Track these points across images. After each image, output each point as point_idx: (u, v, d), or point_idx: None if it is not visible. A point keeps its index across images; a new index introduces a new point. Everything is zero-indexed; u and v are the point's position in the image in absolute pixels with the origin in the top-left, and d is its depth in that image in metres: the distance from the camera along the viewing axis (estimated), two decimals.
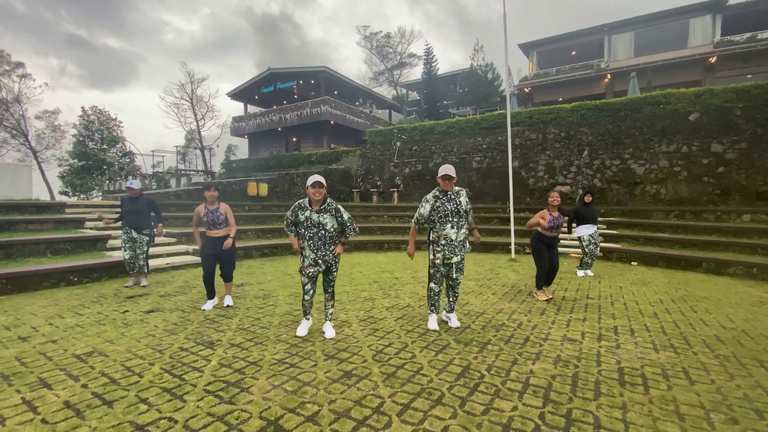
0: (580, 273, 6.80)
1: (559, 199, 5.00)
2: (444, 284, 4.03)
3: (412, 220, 3.86)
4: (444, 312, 4.06)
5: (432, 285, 3.81)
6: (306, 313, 3.65)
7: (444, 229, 3.64)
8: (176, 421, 2.16)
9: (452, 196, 3.67)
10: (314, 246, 3.38)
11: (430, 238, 3.77)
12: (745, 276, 6.77)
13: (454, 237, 3.63)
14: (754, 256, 7.39)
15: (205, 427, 2.11)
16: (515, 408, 2.33)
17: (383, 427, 2.12)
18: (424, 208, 3.71)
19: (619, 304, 4.86)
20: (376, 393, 2.50)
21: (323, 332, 3.65)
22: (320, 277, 3.64)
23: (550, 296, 5.02)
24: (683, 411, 2.32)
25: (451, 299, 3.92)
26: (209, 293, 4.55)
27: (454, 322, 3.90)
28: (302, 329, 3.62)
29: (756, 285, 6.19)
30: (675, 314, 4.42)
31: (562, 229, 5.14)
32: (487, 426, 2.14)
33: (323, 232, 3.39)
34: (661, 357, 3.15)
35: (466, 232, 3.75)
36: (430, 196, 3.73)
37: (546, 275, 5.09)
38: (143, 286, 5.63)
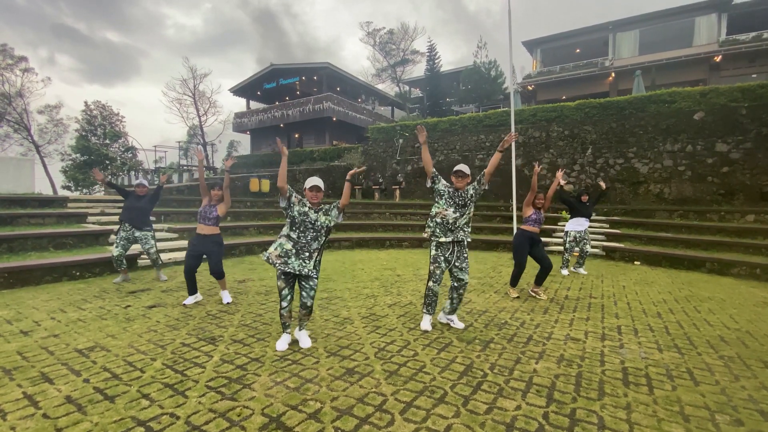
0: (564, 272, 6.74)
1: (543, 201, 5.22)
2: (449, 284, 3.96)
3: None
4: (443, 314, 3.87)
5: (430, 284, 3.65)
6: (285, 326, 3.26)
7: (446, 210, 3.58)
8: (178, 417, 2.15)
9: (461, 193, 3.62)
10: (299, 237, 3.17)
11: (431, 214, 3.70)
12: (748, 276, 6.74)
13: (451, 221, 3.56)
14: (758, 256, 7.35)
15: (207, 423, 2.10)
16: (519, 407, 2.31)
17: (386, 425, 2.11)
18: (437, 185, 3.65)
19: (623, 303, 4.84)
20: (378, 391, 2.49)
21: (297, 340, 3.29)
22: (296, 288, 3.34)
23: (545, 296, 5.08)
24: (688, 412, 2.30)
25: (454, 301, 3.72)
26: (189, 288, 4.53)
27: (457, 323, 3.78)
28: (282, 343, 3.19)
29: (760, 286, 6.16)
30: (679, 314, 4.40)
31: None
32: (490, 425, 2.12)
33: (312, 229, 3.20)
34: (665, 357, 3.13)
35: (468, 230, 3.69)
36: (442, 185, 3.67)
37: (538, 274, 5.11)
38: (163, 280, 5.71)
